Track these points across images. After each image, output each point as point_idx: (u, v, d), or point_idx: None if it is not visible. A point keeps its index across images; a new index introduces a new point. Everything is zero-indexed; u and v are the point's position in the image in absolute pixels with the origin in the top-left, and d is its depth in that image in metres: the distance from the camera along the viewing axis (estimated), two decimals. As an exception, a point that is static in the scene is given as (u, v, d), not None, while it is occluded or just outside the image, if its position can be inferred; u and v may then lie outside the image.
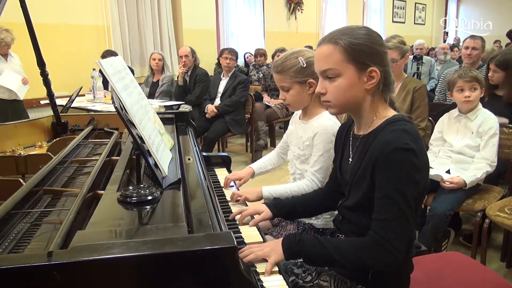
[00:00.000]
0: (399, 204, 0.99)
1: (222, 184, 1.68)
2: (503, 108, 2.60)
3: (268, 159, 1.83)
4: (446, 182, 2.16)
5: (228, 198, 1.53)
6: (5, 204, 0.94)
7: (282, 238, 1.12)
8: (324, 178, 1.54)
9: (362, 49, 1.06)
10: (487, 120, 2.22)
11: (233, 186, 1.67)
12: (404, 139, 1.01)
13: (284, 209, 1.38)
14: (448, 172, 2.28)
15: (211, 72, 5.90)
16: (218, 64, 6.39)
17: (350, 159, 1.19)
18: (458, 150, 2.29)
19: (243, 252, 1.09)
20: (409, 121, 1.10)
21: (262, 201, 1.53)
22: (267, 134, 5.01)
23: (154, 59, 4.60)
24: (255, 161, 1.87)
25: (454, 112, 2.35)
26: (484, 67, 3.30)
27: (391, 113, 1.13)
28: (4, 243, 0.86)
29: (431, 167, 2.29)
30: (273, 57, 5.42)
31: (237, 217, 1.35)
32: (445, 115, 2.41)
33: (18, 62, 3.97)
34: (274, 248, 1.09)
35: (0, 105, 3.88)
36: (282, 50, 5.02)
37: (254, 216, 1.35)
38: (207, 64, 6.42)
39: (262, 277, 1.02)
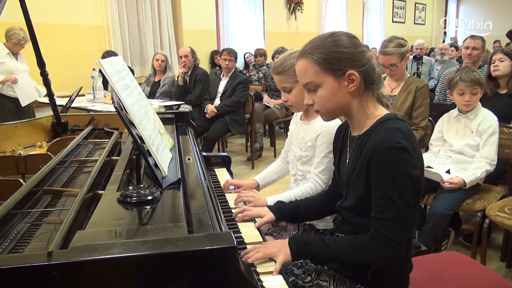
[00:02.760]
0: (396, 202, 1.00)
1: (222, 184, 1.67)
2: (504, 107, 2.59)
3: (271, 168, 1.79)
4: (445, 183, 2.16)
5: (229, 201, 1.53)
6: (5, 204, 0.94)
7: (288, 239, 1.13)
8: (328, 179, 1.53)
9: (334, 57, 1.07)
10: (486, 119, 2.22)
11: (232, 188, 1.66)
12: (397, 137, 1.02)
13: (288, 212, 1.38)
14: (448, 172, 2.28)
15: (210, 72, 5.90)
16: (212, 65, 6.40)
17: (348, 160, 1.20)
18: (458, 150, 2.29)
19: (250, 251, 1.09)
20: (402, 120, 1.10)
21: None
22: (265, 136, 4.99)
23: (157, 60, 4.60)
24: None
25: (454, 112, 2.35)
26: (484, 67, 3.30)
27: (382, 111, 1.14)
28: (4, 243, 0.86)
29: (431, 167, 2.30)
30: (273, 58, 5.41)
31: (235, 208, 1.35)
32: (445, 115, 2.41)
33: (25, 62, 4.00)
34: (281, 249, 1.10)
35: (9, 102, 3.90)
36: (281, 50, 5.00)
37: (256, 219, 1.35)
38: (207, 64, 6.43)
39: (262, 277, 1.02)
